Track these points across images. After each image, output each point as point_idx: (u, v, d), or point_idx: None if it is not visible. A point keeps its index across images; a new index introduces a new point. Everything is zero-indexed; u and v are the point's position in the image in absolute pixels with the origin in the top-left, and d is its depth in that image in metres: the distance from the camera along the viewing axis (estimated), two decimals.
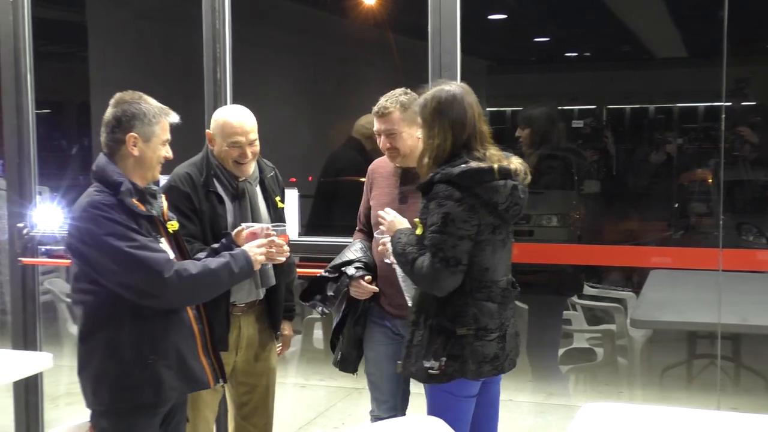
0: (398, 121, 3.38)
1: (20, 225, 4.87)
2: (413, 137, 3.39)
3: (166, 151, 2.96)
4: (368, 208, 3.65)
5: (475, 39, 4.74)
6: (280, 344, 3.80)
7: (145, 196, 2.92)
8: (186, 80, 5.48)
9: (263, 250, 3.10)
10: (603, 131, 6.57)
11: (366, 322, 3.56)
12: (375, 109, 3.45)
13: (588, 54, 6.65)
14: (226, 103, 4.48)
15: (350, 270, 3.45)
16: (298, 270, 3.99)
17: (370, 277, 3.47)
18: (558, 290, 5.21)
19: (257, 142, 3.48)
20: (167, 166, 3.12)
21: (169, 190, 3.37)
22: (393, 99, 3.40)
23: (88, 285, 2.84)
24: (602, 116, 7.01)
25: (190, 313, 3.01)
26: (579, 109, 6.45)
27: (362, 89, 3.61)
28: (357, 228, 3.74)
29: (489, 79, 5.86)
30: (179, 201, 3.37)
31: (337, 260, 3.53)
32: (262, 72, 5.91)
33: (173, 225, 3.03)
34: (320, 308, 3.55)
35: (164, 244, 2.94)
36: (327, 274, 3.51)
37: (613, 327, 5.55)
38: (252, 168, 3.52)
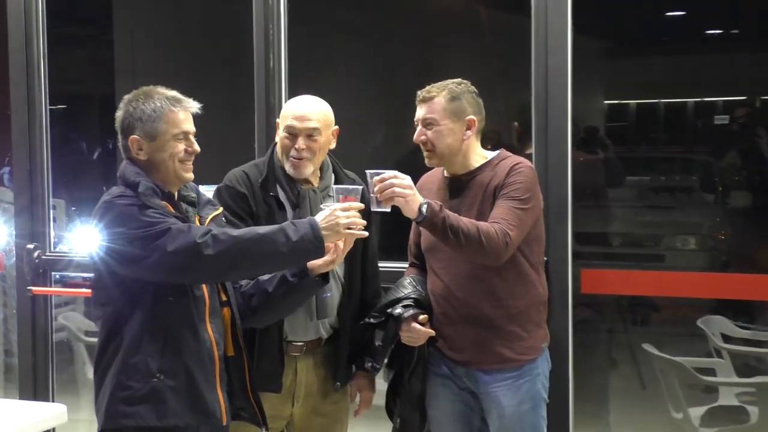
0: (441, 110, 3.49)
1: (30, 247, 4.96)
2: (455, 135, 3.50)
3: (187, 145, 3.11)
4: (418, 234, 3.73)
5: (589, 14, 4.72)
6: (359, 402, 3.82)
7: (176, 201, 3.10)
8: (234, 69, 5.54)
9: (335, 216, 3.08)
10: (756, 129, 6.43)
11: (425, 374, 3.62)
12: (418, 93, 3.54)
13: (735, 31, 6.53)
14: (280, 97, 4.54)
15: (397, 309, 3.52)
16: None
17: (424, 316, 3.51)
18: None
19: (320, 138, 3.54)
20: (219, 172, 3.20)
21: (223, 191, 3.54)
22: (441, 85, 3.50)
23: (105, 297, 3.07)
24: (755, 110, 6.85)
25: (211, 335, 3.10)
26: (723, 101, 6.34)
27: (447, 78, 3.62)
28: (409, 262, 3.82)
29: (606, 65, 5.81)
30: (234, 201, 3.52)
31: (384, 301, 3.61)
32: (325, 59, 5.94)
33: None
34: (369, 364, 3.63)
35: None
36: (372, 319, 3.58)
37: None
38: (309, 169, 3.57)
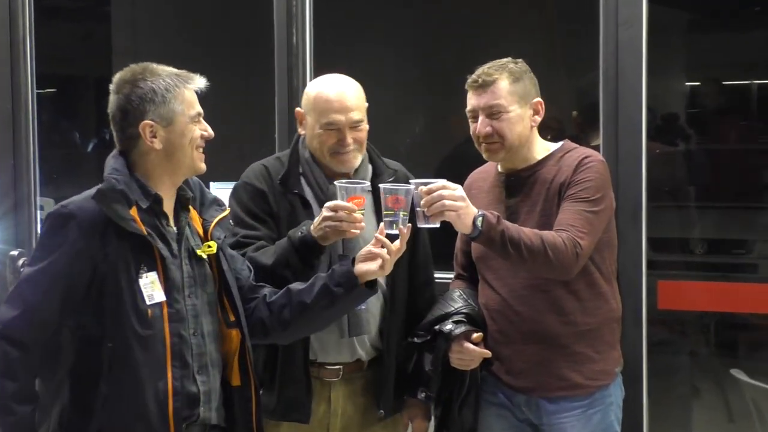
0: (506, 94, 3.48)
1: (14, 253, 4.96)
2: (525, 123, 3.51)
3: (202, 129, 3.08)
4: (466, 242, 3.71)
5: None
6: None
7: (158, 210, 3.04)
8: (249, 49, 5.52)
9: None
10: None
11: (478, 403, 3.61)
12: (471, 78, 3.53)
13: None
14: (304, 79, 4.50)
15: (447, 326, 3.50)
16: None
17: (479, 334, 3.49)
18: None
19: (364, 125, 3.58)
20: (233, 168, 3.14)
21: (240, 188, 3.60)
22: (497, 65, 3.50)
23: None
24: None
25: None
26: None
27: (495, 59, 3.58)
28: (455, 273, 3.82)
29: (691, 40, 5.71)
30: (252, 200, 3.56)
31: (429, 317, 3.60)
32: (355, 38, 5.89)
33: (206, 249, 3.13)
34: (423, 394, 3.62)
35: (148, 280, 2.97)
36: (416, 338, 3.58)
37: None
38: (358, 160, 3.59)
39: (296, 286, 3.26)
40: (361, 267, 3.17)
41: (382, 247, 3.16)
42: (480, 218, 3.25)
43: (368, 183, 3.40)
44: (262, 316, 3.24)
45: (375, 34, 6.09)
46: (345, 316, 3.50)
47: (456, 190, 3.25)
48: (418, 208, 3.27)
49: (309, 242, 3.36)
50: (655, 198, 4.48)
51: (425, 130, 6.25)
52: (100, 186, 2.95)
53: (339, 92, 3.56)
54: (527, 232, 3.29)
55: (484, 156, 3.57)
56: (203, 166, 3.11)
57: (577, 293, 3.46)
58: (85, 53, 7.19)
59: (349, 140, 3.52)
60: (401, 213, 3.24)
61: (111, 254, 2.91)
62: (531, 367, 3.50)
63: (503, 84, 3.47)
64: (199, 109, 3.08)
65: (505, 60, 3.56)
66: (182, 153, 3.05)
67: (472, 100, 3.54)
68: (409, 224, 3.24)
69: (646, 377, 4.22)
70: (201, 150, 3.10)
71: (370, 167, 3.68)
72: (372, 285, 3.26)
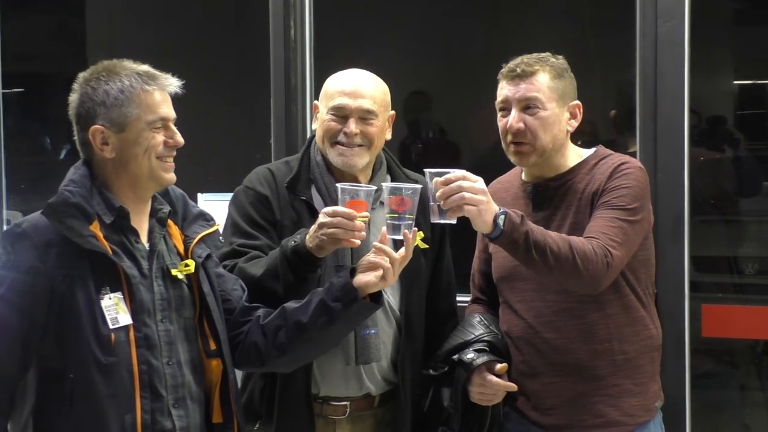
0: (546, 89, 3.49)
1: None
2: (561, 125, 3.52)
3: (167, 136, 3.03)
4: (485, 261, 3.74)
5: None
6: None
7: (126, 225, 3.01)
8: (241, 41, 5.52)
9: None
10: None
11: None
12: (507, 67, 3.54)
13: None
14: (303, 76, 4.51)
15: (467, 355, 3.49)
16: None
17: (503, 365, 3.49)
18: None
19: (377, 122, 3.56)
20: (225, 177, 3.15)
21: (241, 193, 3.61)
22: (537, 57, 3.52)
23: None
24: None
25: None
26: None
27: (524, 53, 3.57)
28: (471, 296, 3.82)
29: (738, 33, 5.71)
30: (253, 206, 3.56)
31: (446, 346, 3.60)
32: (362, 29, 5.90)
33: (183, 267, 3.10)
34: None
35: (111, 302, 2.95)
36: (431, 370, 3.60)
37: None
38: (363, 160, 3.58)
39: (291, 304, 3.22)
40: (360, 278, 3.14)
41: (385, 255, 3.13)
42: (502, 216, 3.20)
43: (374, 188, 3.35)
44: (257, 341, 3.20)
45: (383, 27, 6.10)
46: (352, 342, 3.48)
47: (477, 181, 3.19)
48: (432, 202, 3.23)
49: (302, 253, 3.32)
50: (699, 211, 4.51)
51: (441, 133, 6.27)
52: (50, 200, 2.93)
53: (354, 78, 3.59)
54: (554, 236, 3.27)
55: (512, 159, 3.55)
56: (168, 177, 3.06)
57: (612, 318, 3.46)
58: (57, 49, 7.19)
59: (354, 129, 3.51)
60: (407, 216, 3.20)
61: (69, 274, 2.89)
62: (562, 403, 3.49)
63: (543, 77, 3.48)
64: (163, 113, 3.03)
65: (545, 53, 3.56)
66: (137, 163, 3.00)
67: (505, 90, 3.53)
68: (416, 229, 3.20)
69: (690, 414, 4.22)
70: (167, 159, 3.04)
71: (388, 177, 3.67)
72: (377, 299, 3.23)
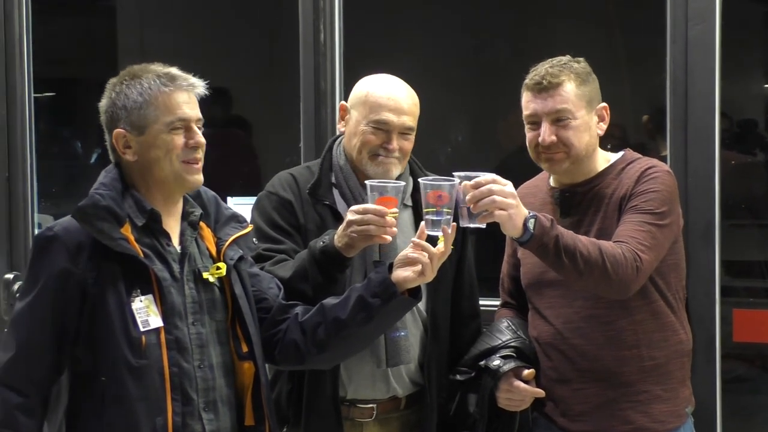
0: (575, 98, 3.47)
1: (9, 277, 4.98)
2: (591, 130, 3.51)
3: (188, 137, 3.03)
4: (514, 265, 3.72)
5: None
6: None
7: (156, 227, 3.01)
8: (271, 45, 5.52)
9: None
10: None
11: None
12: (531, 79, 3.50)
13: None
14: (332, 80, 4.50)
15: (494, 361, 3.49)
16: None
17: (531, 371, 3.48)
18: None
19: (412, 137, 3.60)
20: (253, 181, 3.14)
21: (264, 198, 3.63)
22: (559, 66, 3.48)
23: None
24: None
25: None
26: None
27: (550, 56, 3.55)
28: (501, 301, 3.82)
29: None
30: (277, 211, 3.59)
31: (473, 351, 3.59)
32: (392, 32, 5.90)
33: (215, 270, 3.11)
34: None
35: (142, 305, 2.97)
36: (458, 375, 3.59)
37: None
38: (397, 171, 3.60)
39: (330, 300, 3.23)
40: (398, 273, 3.12)
41: (423, 250, 3.11)
42: (532, 220, 3.18)
43: (403, 184, 3.35)
44: (296, 339, 3.20)
45: (411, 31, 6.10)
46: (382, 344, 3.48)
47: (506, 185, 3.18)
48: (462, 205, 3.20)
49: (331, 253, 3.33)
50: (729, 215, 4.46)
51: (473, 137, 6.27)
52: (80, 203, 2.95)
53: (396, 91, 3.59)
54: (584, 241, 3.26)
55: (543, 167, 3.55)
56: (193, 180, 3.06)
57: (641, 324, 3.44)
58: (88, 53, 7.16)
59: (395, 146, 3.53)
60: (445, 211, 3.17)
61: (100, 277, 2.91)
62: (591, 409, 3.48)
63: (570, 87, 3.45)
64: (181, 114, 3.02)
65: (565, 58, 3.54)
66: (159, 166, 3.01)
67: (532, 104, 3.50)
68: (454, 224, 3.17)
69: (721, 419, 4.21)
70: (191, 161, 3.04)
71: (411, 180, 3.67)
72: (416, 294, 3.20)
